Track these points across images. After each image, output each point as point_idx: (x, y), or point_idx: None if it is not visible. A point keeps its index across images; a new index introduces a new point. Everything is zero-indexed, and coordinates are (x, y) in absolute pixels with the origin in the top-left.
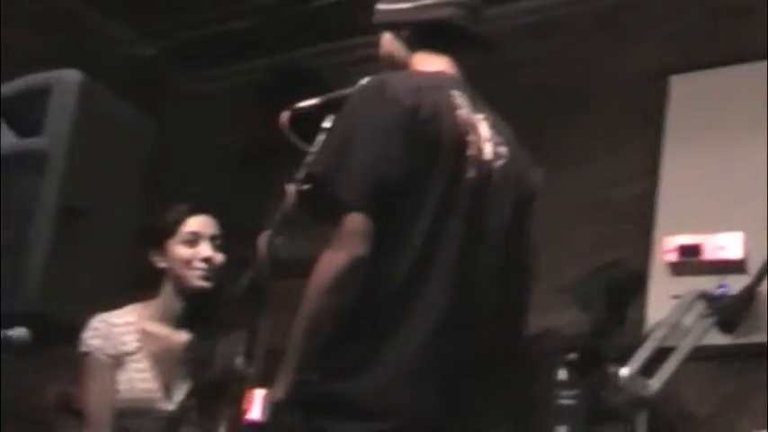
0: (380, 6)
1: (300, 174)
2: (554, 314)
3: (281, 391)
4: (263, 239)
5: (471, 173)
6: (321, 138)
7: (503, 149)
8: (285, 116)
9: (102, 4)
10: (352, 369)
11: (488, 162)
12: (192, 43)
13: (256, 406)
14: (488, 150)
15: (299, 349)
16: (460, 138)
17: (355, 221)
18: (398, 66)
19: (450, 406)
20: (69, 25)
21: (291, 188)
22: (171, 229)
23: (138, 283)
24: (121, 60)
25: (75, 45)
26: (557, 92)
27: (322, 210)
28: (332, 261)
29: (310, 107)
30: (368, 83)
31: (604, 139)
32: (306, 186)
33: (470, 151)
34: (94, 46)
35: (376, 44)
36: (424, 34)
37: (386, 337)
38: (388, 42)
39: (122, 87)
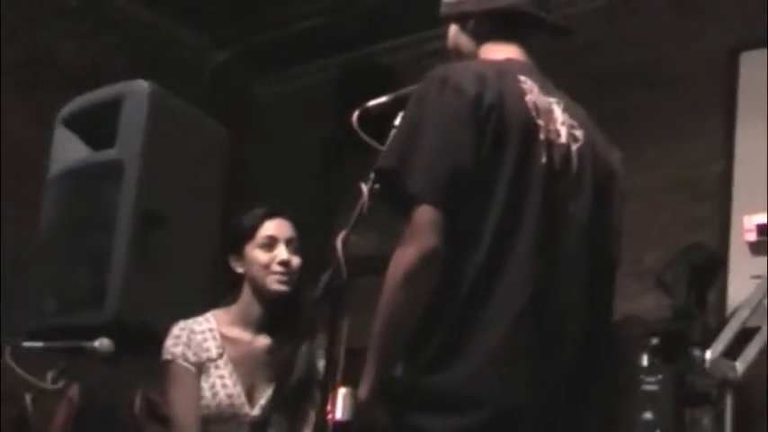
0: None
1: (373, 172)
2: (634, 299)
3: (365, 390)
4: (339, 240)
5: (543, 158)
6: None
7: (578, 132)
8: (355, 116)
9: (173, 13)
10: (437, 362)
11: (564, 145)
12: (264, 46)
13: (340, 406)
14: (563, 134)
15: (380, 347)
16: (529, 123)
17: (425, 213)
18: (466, 58)
19: (539, 393)
20: (141, 35)
21: (365, 187)
22: (248, 234)
23: (220, 287)
24: (195, 67)
25: (149, 54)
26: (630, 73)
27: (395, 205)
28: (403, 256)
29: (380, 105)
30: (431, 74)
31: (679, 120)
32: (377, 184)
33: (541, 136)
34: (168, 54)
35: (444, 37)
36: (490, 25)
37: (468, 328)
38: (455, 34)
39: (197, 93)
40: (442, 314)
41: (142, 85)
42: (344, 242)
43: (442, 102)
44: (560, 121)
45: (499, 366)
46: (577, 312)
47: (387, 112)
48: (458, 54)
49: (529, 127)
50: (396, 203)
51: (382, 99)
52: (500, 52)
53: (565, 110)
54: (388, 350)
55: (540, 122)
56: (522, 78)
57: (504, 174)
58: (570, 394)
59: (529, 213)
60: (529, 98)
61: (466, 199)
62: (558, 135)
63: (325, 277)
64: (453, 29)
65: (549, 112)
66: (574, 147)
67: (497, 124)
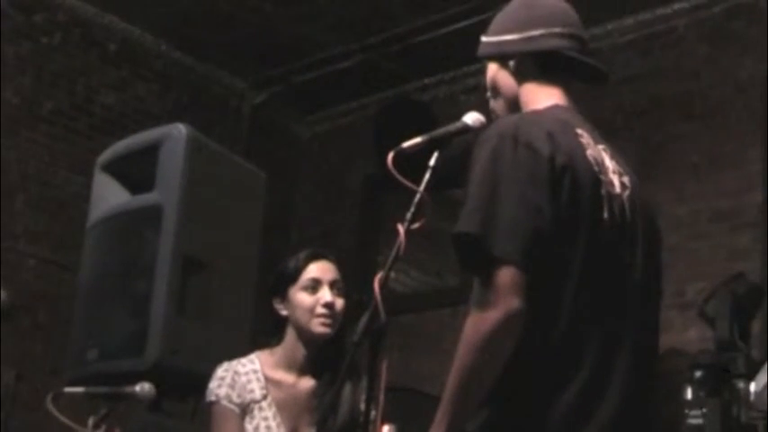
0: (486, 38)
1: (410, 213)
2: (677, 332)
3: None
4: (377, 281)
5: (605, 213)
6: (427, 177)
7: (625, 179)
8: (390, 157)
9: (212, 56)
10: (510, 422)
11: (618, 196)
12: (302, 86)
13: None
14: (616, 183)
15: (455, 401)
16: (595, 180)
17: (509, 275)
18: (505, 96)
19: None
20: (180, 78)
21: (401, 227)
22: (292, 276)
23: (260, 329)
24: (234, 108)
25: (188, 97)
26: (667, 105)
27: (473, 268)
28: (487, 318)
29: (415, 147)
30: (498, 130)
31: (718, 150)
32: (415, 225)
33: (603, 191)
34: (207, 96)
35: (482, 74)
36: (532, 65)
37: (544, 391)
38: (495, 72)
39: (237, 134)
40: (519, 375)
41: (180, 130)
42: (382, 283)
43: (518, 161)
44: (611, 171)
45: (570, 427)
46: (639, 358)
47: (423, 152)
48: (496, 92)
49: (595, 184)
50: (474, 266)
51: (417, 140)
52: (544, 95)
53: (612, 157)
54: (463, 405)
55: (603, 177)
56: (580, 132)
57: (577, 234)
58: None
59: (599, 271)
60: (589, 153)
61: (545, 260)
62: (613, 186)
63: (363, 319)
64: (493, 67)
65: (603, 163)
66: (624, 195)
67: (570, 185)
